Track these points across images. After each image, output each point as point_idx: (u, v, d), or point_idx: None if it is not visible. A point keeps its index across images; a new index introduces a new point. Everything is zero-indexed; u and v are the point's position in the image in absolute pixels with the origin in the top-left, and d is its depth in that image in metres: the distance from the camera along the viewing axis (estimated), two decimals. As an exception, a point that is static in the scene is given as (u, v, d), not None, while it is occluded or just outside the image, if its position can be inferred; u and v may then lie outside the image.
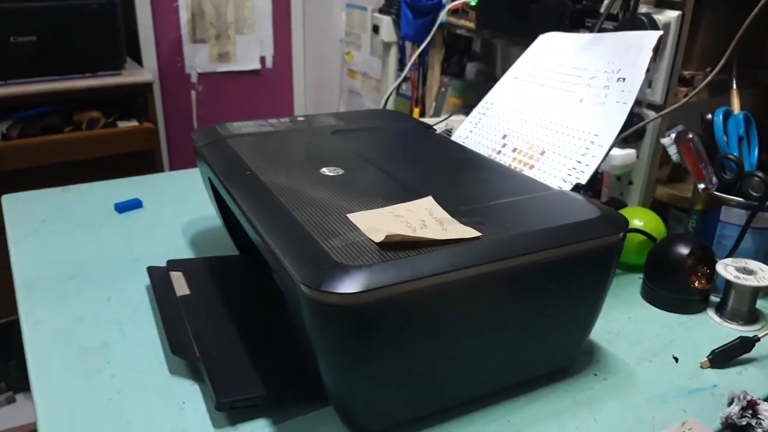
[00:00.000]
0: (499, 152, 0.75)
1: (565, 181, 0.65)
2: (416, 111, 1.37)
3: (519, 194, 0.60)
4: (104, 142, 1.69)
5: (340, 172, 0.64)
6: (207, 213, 0.91)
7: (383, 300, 0.44)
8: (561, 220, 0.54)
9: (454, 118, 1.07)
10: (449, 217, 0.53)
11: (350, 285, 0.43)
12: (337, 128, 0.79)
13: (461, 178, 0.66)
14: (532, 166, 0.70)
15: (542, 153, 0.70)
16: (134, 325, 0.66)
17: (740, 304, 0.70)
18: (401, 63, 1.37)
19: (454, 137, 0.82)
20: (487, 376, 0.55)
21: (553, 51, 0.79)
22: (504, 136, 0.76)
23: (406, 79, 1.33)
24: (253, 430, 0.53)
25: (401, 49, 1.37)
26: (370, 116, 0.87)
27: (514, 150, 0.74)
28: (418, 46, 1.23)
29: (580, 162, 0.66)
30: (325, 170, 0.64)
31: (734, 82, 0.82)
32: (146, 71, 1.87)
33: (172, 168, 2.01)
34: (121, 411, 0.54)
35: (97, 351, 0.62)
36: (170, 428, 0.52)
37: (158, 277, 0.71)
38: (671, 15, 0.75)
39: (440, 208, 0.55)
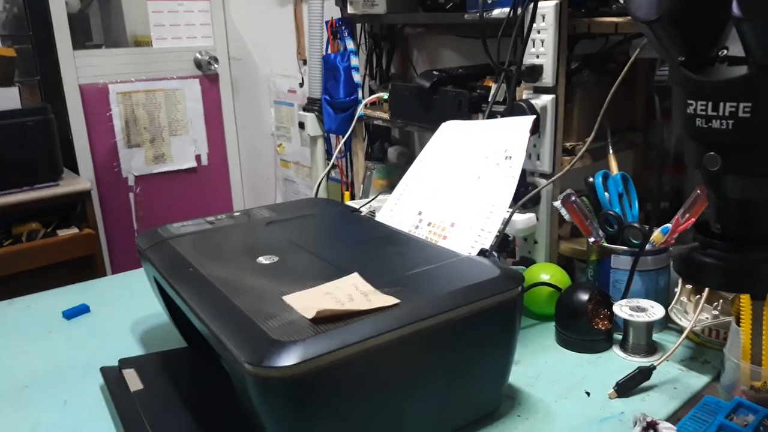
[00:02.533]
0: (417, 227, 0.85)
1: (473, 248, 0.75)
2: (347, 194, 1.48)
3: (432, 263, 0.69)
4: (45, 252, 1.71)
5: (275, 259, 0.71)
6: (153, 311, 0.96)
7: (318, 368, 0.51)
8: (467, 282, 0.63)
9: (380, 198, 1.17)
10: (372, 288, 0.62)
11: (287, 358, 0.50)
12: (271, 219, 0.87)
13: (383, 253, 0.75)
14: (445, 237, 0.80)
15: (452, 225, 0.80)
16: (91, 427, 0.69)
17: (638, 338, 0.80)
18: (328, 153, 1.49)
19: (378, 218, 0.92)
20: (422, 427, 0.62)
21: (453, 136, 0.91)
22: (420, 212, 0.86)
23: (334, 166, 1.45)
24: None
25: (327, 140, 1.49)
26: (302, 205, 0.96)
27: (429, 224, 0.84)
28: (342, 137, 1.35)
29: (483, 230, 0.76)
30: (261, 259, 0.71)
31: (610, 147, 0.95)
32: (83, 179, 1.92)
33: (114, 271, 2.02)
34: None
35: (57, 455, 0.65)
36: None
37: (111, 376, 0.75)
38: (546, 98, 0.89)
39: (364, 281, 0.63)
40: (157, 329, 0.91)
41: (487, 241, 0.74)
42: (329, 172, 1.37)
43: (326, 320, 0.55)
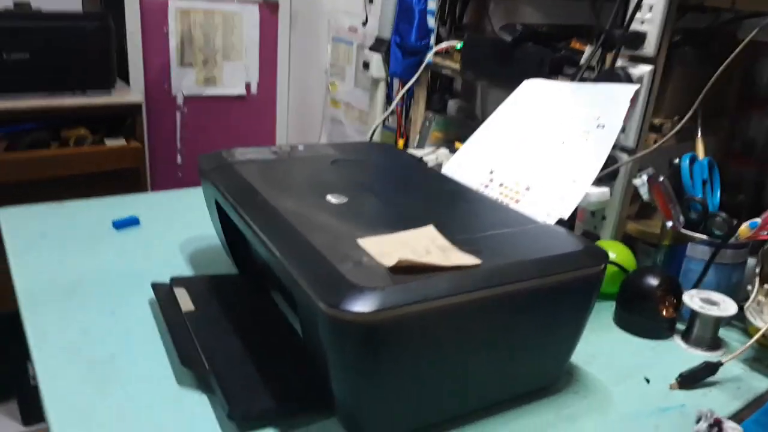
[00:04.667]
0: (486, 186, 0.81)
1: (549, 215, 0.71)
2: (401, 142, 1.44)
3: (509, 226, 0.66)
4: (92, 160, 1.71)
5: (345, 200, 0.68)
6: (204, 232, 0.94)
7: (394, 319, 0.49)
8: (550, 252, 0.60)
9: (440, 151, 1.13)
10: (450, 245, 0.59)
11: (365, 304, 0.48)
12: (335, 158, 0.84)
13: (455, 209, 0.72)
14: (518, 201, 0.76)
15: (528, 188, 0.77)
16: (140, 338, 0.69)
17: (704, 331, 0.76)
18: (388, 97, 1.44)
19: (444, 170, 0.88)
20: (482, 391, 0.60)
21: (536, 96, 0.86)
22: (491, 171, 0.82)
23: (392, 112, 1.40)
24: (263, 440, 0.56)
25: (389, 84, 1.44)
26: (365, 148, 0.93)
27: (501, 185, 0.80)
28: (405, 83, 1.30)
29: (562, 199, 0.72)
30: (330, 198, 0.69)
31: (699, 130, 0.90)
32: (135, 91, 1.90)
33: (154, 187, 2.02)
34: (135, 422, 0.56)
35: (106, 363, 0.64)
36: (183, 437, 0.55)
37: (163, 293, 0.74)
38: (644, 69, 0.83)
39: (441, 236, 0.60)
40: (208, 251, 0.90)
41: (567, 212, 0.71)
42: (387, 117, 1.32)
43: (404, 271, 0.53)
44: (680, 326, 0.80)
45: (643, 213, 1.01)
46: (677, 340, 0.78)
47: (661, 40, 0.82)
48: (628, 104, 0.71)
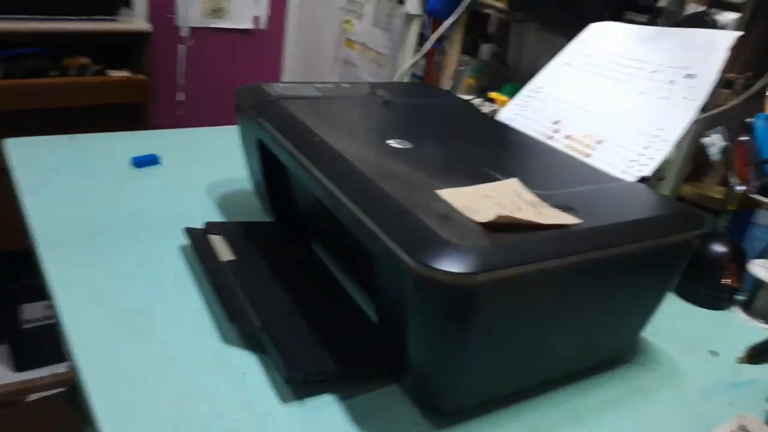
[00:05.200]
0: (550, 138, 0.75)
1: (625, 173, 0.65)
2: (429, 88, 1.35)
3: (590, 183, 0.60)
4: (94, 91, 1.60)
5: (408, 145, 0.62)
6: (231, 175, 0.88)
7: (494, 282, 0.43)
8: (644, 213, 0.54)
9: (475, 101, 1.06)
10: (539, 200, 0.53)
11: (462, 264, 0.42)
12: (386, 99, 0.77)
13: (526, 161, 0.66)
14: (588, 155, 0.70)
15: (599, 142, 0.70)
16: (175, 288, 0.63)
17: (769, 303, 0.72)
18: (422, 37, 1.34)
19: (500, 117, 0.81)
20: (559, 361, 0.55)
21: (608, 40, 0.78)
22: (556, 122, 0.76)
23: (424, 55, 1.31)
24: (322, 405, 0.51)
25: (420, 23, 1.35)
26: (417, 90, 0.86)
27: (567, 137, 0.73)
28: (440, 22, 1.21)
29: (642, 155, 0.66)
30: (392, 142, 0.62)
31: (772, 88, 0.83)
32: (140, 20, 1.78)
33: (156, 124, 1.92)
34: (178, 381, 0.51)
35: (139, 314, 0.58)
36: (235, 401, 0.50)
37: (198, 239, 0.68)
38: (730, 17, 0.76)
39: (527, 190, 0.54)
40: (237, 196, 0.83)
41: (648, 169, 0.65)
42: (418, 60, 1.24)
43: (498, 228, 0.47)
44: (738, 297, 0.76)
45: (695, 175, 0.95)
46: (737, 311, 0.74)
47: (750, -15, 0.75)
48: (726, 54, 0.65)
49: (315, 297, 0.62)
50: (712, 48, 0.66)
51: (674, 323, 0.71)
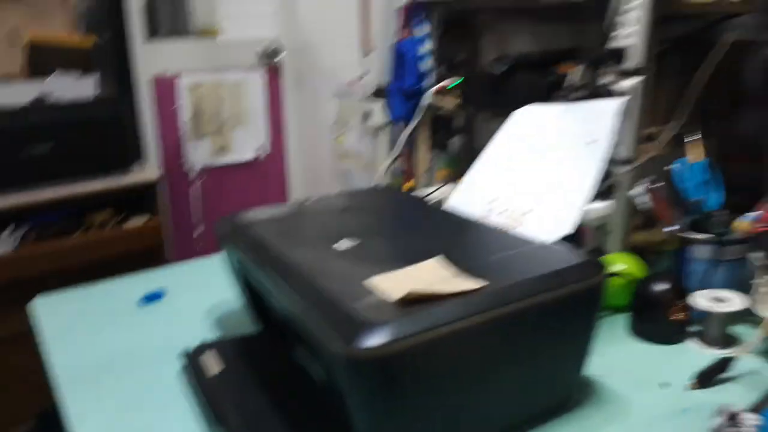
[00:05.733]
0: (488, 215, 0.85)
1: (552, 235, 0.75)
2: (409, 184, 1.49)
3: (511, 249, 0.69)
4: (113, 242, 1.78)
5: (354, 244, 0.73)
6: (226, 297, 0.97)
7: (408, 348, 0.52)
8: (550, 267, 0.63)
9: (445, 188, 1.18)
10: (456, 272, 0.62)
11: (378, 338, 0.52)
12: (344, 206, 0.89)
13: (460, 240, 0.76)
14: (521, 224, 0.80)
15: (528, 211, 0.80)
16: (175, 407, 0.72)
17: (716, 329, 0.78)
18: (392, 142, 1.49)
19: (448, 205, 0.92)
20: (499, 412, 0.62)
21: (529, 121, 0.90)
22: (492, 200, 0.86)
23: (400, 155, 1.45)
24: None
25: (391, 130, 1.50)
26: (372, 193, 0.98)
27: (503, 211, 0.83)
28: (407, 126, 1.36)
29: (562, 217, 0.75)
30: (341, 244, 0.73)
31: (693, 134, 0.93)
32: (151, 169, 1.99)
33: (175, 261, 2.09)
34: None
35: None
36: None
37: (192, 359, 0.77)
38: (632, 82, 0.87)
39: (449, 264, 0.64)
40: (234, 314, 0.93)
41: (566, 229, 0.74)
42: (394, 161, 1.38)
43: (413, 302, 0.56)
44: (694, 328, 0.81)
45: (650, 222, 1.03)
46: (692, 342, 0.80)
47: (645, 52, 0.86)
48: (615, 118, 0.75)
49: (292, 395, 0.70)
50: (605, 115, 0.77)
51: (630, 362, 0.77)
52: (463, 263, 0.64)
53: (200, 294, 1.00)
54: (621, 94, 0.87)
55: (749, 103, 0.79)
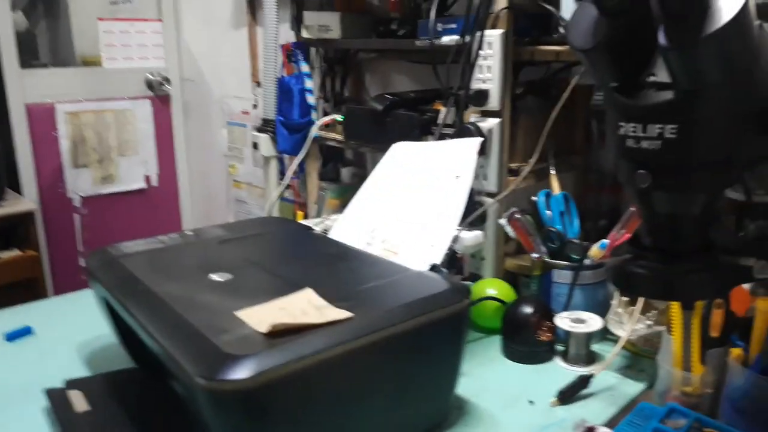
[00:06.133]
0: (369, 244, 0.87)
1: (424, 262, 0.77)
2: (300, 214, 1.49)
3: (384, 278, 0.71)
4: (-13, 273, 1.66)
5: (229, 276, 0.72)
6: (100, 332, 0.92)
7: (272, 381, 0.52)
8: (416, 295, 0.65)
9: (333, 217, 1.19)
10: (326, 303, 0.63)
11: (241, 371, 0.51)
12: (224, 238, 0.88)
13: (336, 269, 0.77)
14: (396, 253, 0.82)
15: (403, 241, 0.83)
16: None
17: (579, 349, 0.83)
18: (282, 173, 1.50)
19: (331, 235, 0.93)
20: (372, 438, 0.63)
21: (403, 156, 0.94)
22: (372, 230, 0.89)
23: (288, 186, 1.46)
24: None
25: (280, 161, 1.51)
26: (255, 224, 0.97)
27: (382, 241, 0.86)
28: (295, 158, 1.37)
29: (433, 246, 0.78)
30: (214, 276, 0.72)
31: (552, 168, 1.00)
32: (27, 200, 1.87)
33: (57, 294, 1.96)
34: None
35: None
36: None
37: (57, 398, 0.73)
38: (493, 122, 0.93)
39: (317, 296, 0.65)
40: (105, 351, 0.89)
41: (437, 257, 0.77)
42: (283, 192, 1.38)
43: (280, 334, 0.56)
44: (561, 347, 0.87)
45: (521, 249, 1.09)
46: (558, 361, 0.85)
47: (503, 94, 0.93)
48: (475, 154, 0.80)
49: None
50: (466, 152, 0.81)
51: (501, 382, 0.81)
52: (337, 293, 0.65)
53: (72, 329, 0.95)
54: (482, 132, 0.93)
55: (598, 140, 0.87)
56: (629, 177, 0.51)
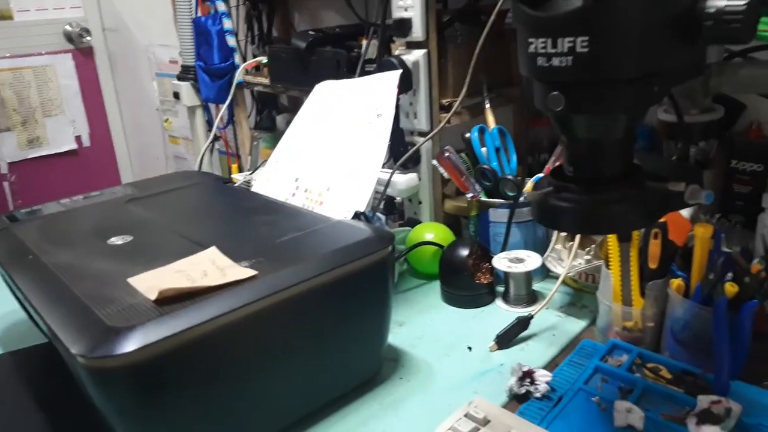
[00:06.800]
0: (293, 194, 0.81)
1: (348, 211, 0.72)
2: (234, 167, 1.41)
3: (303, 229, 0.65)
4: None
5: (129, 239, 0.65)
6: (12, 307, 0.87)
7: (162, 353, 0.47)
8: (335, 246, 0.60)
9: (261, 169, 1.12)
10: (231, 262, 0.57)
11: (123, 345, 0.45)
12: (132, 196, 0.81)
13: (252, 224, 0.71)
14: (321, 203, 0.76)
15: (328, 189, 0.77)
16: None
17: (519, 289, 0.80)
18: (209, 123, 1.41)
19: (254, 187, 0.87)
20: (294, 402, 0.59)
21: (326, 97, 0.87)
22: (296, 179, 0.82)
23: (216, 138, 1.37)
24: None
25: (207, 110, 1.41)
26: (170, 180, 0.90)
27: (306, 190, 0.80)
28: (222, 106, 1.28)
29: (356, 192, 0.73)
30: (113, 240, 0.65)
31: (487, 102, 0.94)
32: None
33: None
34: None
35: None
36: None
37: (-46, 383, 0.67)
38: (418, 54, 0.86)
39: (222, 255, 0.59)
40: (17, 326, 0.82)
41: (362, 204, 0.71)
42: (212, 144, 1.29)
43: (172, 300, 0.51)
44: (501, 289, 0.83)
45: (460, 191, 1.04)
46: (499, 303, 0.81)
47: (427, 23, 0.85)
48: (395, 90, 0.74)
49: (70, 412, 0.62)
50: (386, 88, 0.75)
51: (438, 330, 0.77)
52: (248, 249, 0.59)
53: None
54: (406, 66, 0.86)
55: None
56: (543, 100, 0.46)
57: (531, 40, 0.44)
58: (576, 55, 0.42)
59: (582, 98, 0.45)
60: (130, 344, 0.45)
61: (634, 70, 0.42)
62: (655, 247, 0.68)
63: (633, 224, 0.53)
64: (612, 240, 0.67)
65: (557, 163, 0.82)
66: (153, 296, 0.51)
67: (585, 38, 0.41)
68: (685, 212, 0.74)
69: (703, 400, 0.57)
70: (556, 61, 0.43)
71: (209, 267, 0.56)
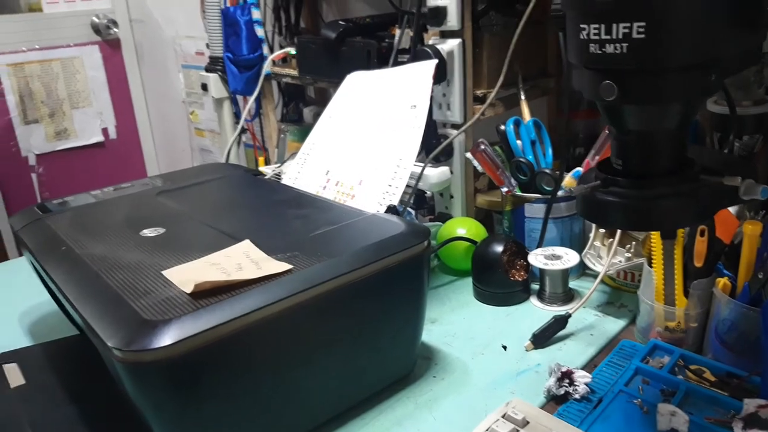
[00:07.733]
0: (324, 188, 0.80)
1: (381, 205, 0.70)
2: (261, 159, 1.40)
3: (336, 223, 0.64)
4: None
5: (161, 231, 0.65)
6: (43, 299, 0.87)
7: (198, 347, 0.46)
8: (369, 240, 0.59)
9: (290, 162, 1.11)
10: (265, 256, 0.56)
11: (159, 339, 0.45)
12: (163, 189, 0.80)
13: (285, 217, 0.70)
14: (353, 196, 0.75)
15: (360, 182, 0.76)
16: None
17: (555, 287, 0.78)
18: (237, 116, 1.40)
19: (284, 180, 0.86)
20: (328, 399, 0.58)
21: (357, 89, 0.85)
22: (327, 172, 0.81)
23: (244, 130, 1.36)
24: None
25: (234, 102, 1.40)
26: (200, 172, 0.89)
27: (337, 183, 0.78)
28: (249, 98, 1.27)
29: (390, 185, 0.71)
30: (145, 232, 0.65)
31: (522, 93, 0.92)
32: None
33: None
34: None
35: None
36: None
37: (-11, 372, 0.67)
38: (453, 43, 0.84)
39: (256, 248, 0.58)
40: (48, 318, 0.83)
41: (395, 197, 0.70)
42: (240, 136, 1.29)
43: (208, 294, 0.50)
44: (536, 286, 0.81)
45: (493, 184, 1.02)
46: (533, 301, 0.79)
47: (462, 11, 0.83)
48: (431, 80, 0.72)
49: (102, 405, 0.62)
50: (420, 79, 0.73)
51: (472, 327, 0.75)
52: (282, 242, 0.58)
53: (13, 297, 0.88)
54: (441, 56, 0.84)
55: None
56: (594, 90, 0.44)
57: (583, 26, 0.42)
58: (631, 42, 0.40)
59: (636, 87, 0.42)
60: (167, 338, 0.45)
61: (692, 57, 0.40)
62: (701, 244, 0.65)
63: (684, 221, 0.51)
64: (655, 237, 0.65)
65: (596, 158, 0.80)
66: (188, 289, 0.50)
67: (642, 24, 0.39)
68: (732, 209, 0.71)
69: (750, 404, 0.55)
70: (609, 48, 0.41)
71: (244, 260, 0.55)
